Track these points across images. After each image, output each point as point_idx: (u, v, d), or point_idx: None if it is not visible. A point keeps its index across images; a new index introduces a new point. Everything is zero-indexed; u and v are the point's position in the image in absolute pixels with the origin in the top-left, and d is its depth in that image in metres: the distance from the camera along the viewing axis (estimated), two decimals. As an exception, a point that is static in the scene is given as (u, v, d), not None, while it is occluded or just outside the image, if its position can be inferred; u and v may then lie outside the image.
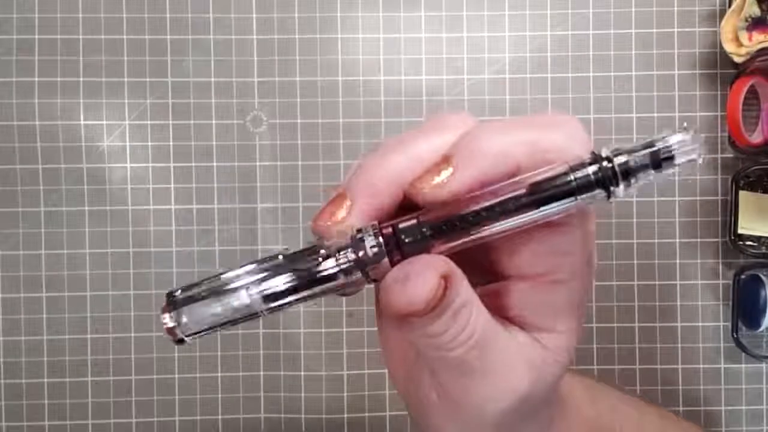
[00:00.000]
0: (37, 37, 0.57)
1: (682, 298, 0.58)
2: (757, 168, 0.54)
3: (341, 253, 0.19)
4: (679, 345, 0.58)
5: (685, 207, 0.58)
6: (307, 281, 0.19)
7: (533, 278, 0.20)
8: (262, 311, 0.19)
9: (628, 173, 0.18)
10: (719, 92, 0.58)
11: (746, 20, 0.54)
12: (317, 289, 0.19)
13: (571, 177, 0.18)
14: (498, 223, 0.19)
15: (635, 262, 0.58)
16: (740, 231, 0.56)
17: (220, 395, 0.58)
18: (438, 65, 0.58)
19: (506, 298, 0.21)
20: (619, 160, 0.18)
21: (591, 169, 0.18)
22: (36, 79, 0.57)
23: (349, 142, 0.58)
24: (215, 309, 0.19)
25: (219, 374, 0.58)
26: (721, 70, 0.57)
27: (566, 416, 0.26)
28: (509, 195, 0.18)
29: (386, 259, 0.19)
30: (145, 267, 0.58)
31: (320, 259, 0.19)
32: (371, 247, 0.19)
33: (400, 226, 0.19)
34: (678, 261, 0.58)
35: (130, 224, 0.57)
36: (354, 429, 0.58)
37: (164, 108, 0.57)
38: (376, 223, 0.19)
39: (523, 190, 0.18)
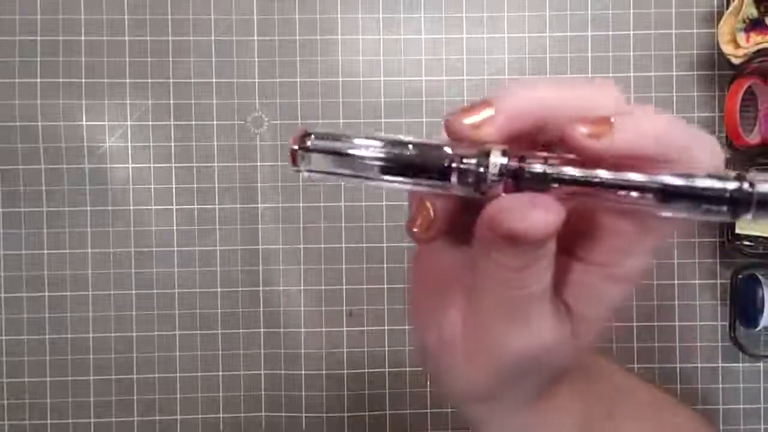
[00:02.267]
0: (39, 38, 0.57)
1: (680, 297, 0.59)
2: (754, 168, 0.54)
3: (464, 160, 0.19)
4: (677, 344, 0.58)
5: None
6: (422, 172, 0.20)
7: (594, 266, 0.21)
8: (374, 178, 0.20)
9: (764, 205, 0.18)
10: (717, 93, 0.58)
11: (744, 22, 0.54)
12: (427, 181, 0.20)
13: (708, 185, 0.18)
14: (616, 196, 0.19)
15: (633, 261, 0.58)
16: (738, 231, 0.56)
17: (221, 394, 0.58)
18: (438, 66, 0.58)
19: (562, 272, 0.22)
20: (763, 188, 0.18)
21: (730, 186, 0.18)
22: (38, 80, 0.57)
23: (350, 142, 0.58)
24: (337, 162, 0.21)
25: (220, 373, 0.58)
26: (719, 71, 0.58)
27: (559, 389, 0.27)
28: (643, 176, 0.19)
29: (501, 184, 0.19)
30: (147, 267, 0.58)
31: (443, 157, 0.19)
32: (494, 166, 0.19)
33: (528, 159, 0.19)
34: (676, 261, 0.58)
35: (131, 224, 0.58)
36: (354, 428, 0.58)
37: (166, 109, 0.58)
38: (506, 146, 0.19)
39: (658, 177, 0.19)
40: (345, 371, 0.58)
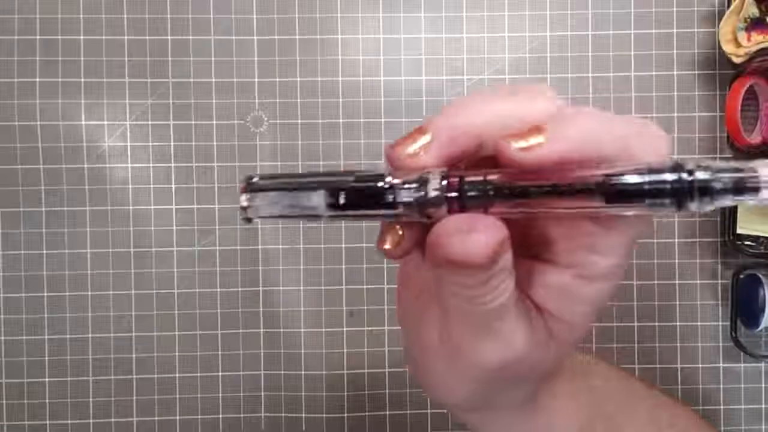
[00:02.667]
0: (38, 37, 0.57)
1: (681, 297, 0.58)
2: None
3: (405, 186, 0.20)
4: (678, 344, 0.58)
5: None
6: (367, 203, 0.20)
7: (564, 267, 0.21)
8: (324, 215, 0.20)
9: (706, 192, 0.18)
10: (718, 93, 0.58)
11: (745, 21, 0.54)
12: (375, 210, 0.20)
13: (648, 180, 0.18)
14: (560, 204, 0.19)
15: (634, 261, 0.58)
16: (739, 231, 0.56)
17: (220, 394, 0.58)
18: (438, 66, 0.58)
19: (532, 276, 0.22)
20: (703, 176, 0.18)
21: (669, 177, 0.18)
22: (37, 79, 0.57)
23: (349, 142, 0.58)
24: (284, 201, 0.21)
25: (220, 373, 0.58)
26: (720, 70, 0.58)
27: (556, 393, 0.26)
28: (582, 180, 0.18)
29: (444, 206, 0.19)
30: (146, 267, 0.58)
31: (385, 186, 0.20)
32: (434, 190, 0.19)
33: (467, 179, 0.19)
34: (677, 261, 0.58)
35: (131, 224, 0.58)
36: (354, 428, 0.58)
37: (165, 108, 0.58)
38: (445, 169, 0.20)
39: (597, 180, 0.18)
40: (345, 371, 0.58)
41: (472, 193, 0.19)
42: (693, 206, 0.18)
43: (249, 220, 0.21)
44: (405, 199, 0.20)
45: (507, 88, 0.20)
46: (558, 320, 0.22)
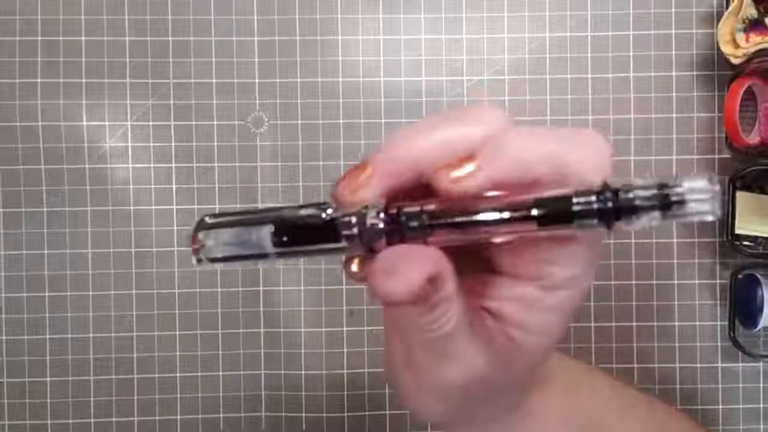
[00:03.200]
0: (39, 38, 0.57)
1: (679, 297, 0.59)
2: (754, 168, 0.55)
3: (344, 218, 0.20)
4: (677, 344, 0.59)
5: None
6: (311, 236, 0.20)
7: (524, 279, 0.21)
8: (271, 253, 0.21)
9: (632, 210, 0.18)
10: (716, 93, 0.58)
11: (743, 22, 0.54)
12: (320, 246, 0.20)
13: (574, 201, 0.18)
14: (497, 230, 0.19)
15: (633, 261, 0.58)
16: (737, 231, 0.56)
17: (221, 393, 0.58)
18: (437, 66, 0.58)
19: (492, 289, 0.22)
20: (626, 195, 0.18)
21: (595, 199, 0.18)
22: (39, 80, 0.57)
23: (350, 142, 0.58)
24: (233, 238, 0.21)
25: (220, 373, 0.58)
26: (719, 71, 0.58)
27: (538, 404, 0.27)
28: (514, 206, 0.19)
29: (383, 238, 0.20)
30: (147, 267, 0.58)
31: (325, 218, 0.20)
32: (371, 224, 0.20)
33: (405, 210, 0.20)
34: (675, 261, 0.58)
35: (132, 224, 0.58)
36: (354, 427, 0.58)
37: (166, 109, 0.58)
38: (383, 201, 0.20)
39: (529, 204, 0.19)
40: (345, 371, 0.58)
41: (411, 224, 0.19)
42: (622, 225, 0.18)
43: (200, 261, 0.21)
44: (346, 232, 0.20)
45: (449, 113, 0.21)
46: (523, 329, 0.21)
